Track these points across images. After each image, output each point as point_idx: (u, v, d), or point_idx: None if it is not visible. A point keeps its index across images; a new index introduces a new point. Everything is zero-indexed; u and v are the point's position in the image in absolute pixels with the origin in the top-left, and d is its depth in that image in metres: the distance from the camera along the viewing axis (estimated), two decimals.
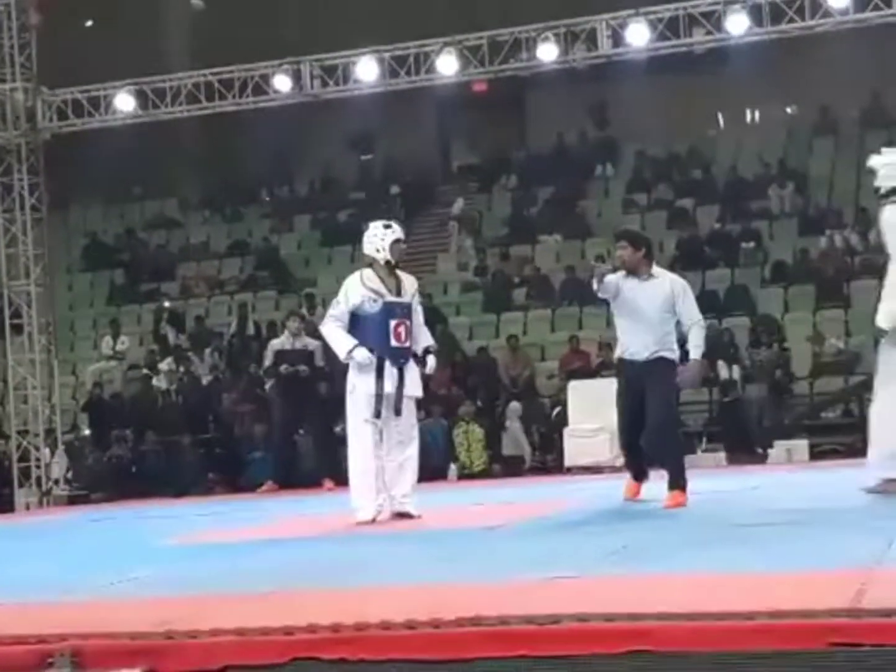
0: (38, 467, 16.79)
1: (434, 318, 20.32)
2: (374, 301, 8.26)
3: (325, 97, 16.84)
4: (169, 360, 19.72)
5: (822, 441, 15.31)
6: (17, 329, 17.02)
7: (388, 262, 8.31)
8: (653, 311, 8.24)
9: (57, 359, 17.75)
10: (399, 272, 8.47)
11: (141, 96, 16.81)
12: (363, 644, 4.18)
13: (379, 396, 8.18)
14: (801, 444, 15.01)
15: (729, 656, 3.65)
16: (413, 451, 8.37)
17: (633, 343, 8.29)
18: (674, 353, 8.34)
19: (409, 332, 8.30)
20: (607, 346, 17.54)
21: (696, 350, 8.34)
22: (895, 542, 5.24)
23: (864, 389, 16.68)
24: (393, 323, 8.23)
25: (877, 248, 18.59)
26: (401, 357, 8.27)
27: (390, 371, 8.19)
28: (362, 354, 8.14)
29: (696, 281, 19.35)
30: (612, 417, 13.64)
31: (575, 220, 21.83)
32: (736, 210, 20.68)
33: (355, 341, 8.19)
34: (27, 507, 16.12)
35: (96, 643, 4.54)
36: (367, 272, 8.38)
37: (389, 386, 8.19)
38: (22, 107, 16.97)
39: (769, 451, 14.85)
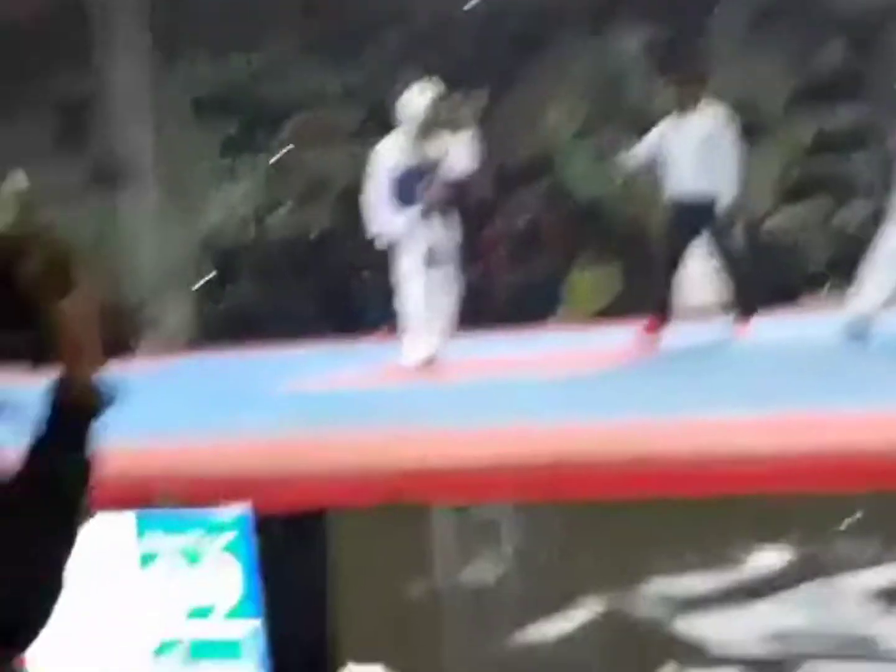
0: (157, 315, 17.14)
1: (546, 166, 20.16)
2: (410, 160, 8.55)
3: None
4: (283, 208, 19.84)
5: None
6: (132, 179, 17.20)
7: (426, 120, 8.50)
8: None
9: (172, 209, 17.95)
10: (441, 130, 8.71)
11: None
12: (458, 485, 4.23)
13: (426, 247, 8.37)
14: None
15: None
16: (453, 298, 8.72)
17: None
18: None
19: (446, 187, 8.65)
20: None
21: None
22: None
23: None
24: (428, 179, 8.54)
25: None
26: (438, 209, 8.58)
27: (427, 225, 8.46)
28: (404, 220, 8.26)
29: (815, 119, 18.82)
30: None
31: (694, 60, 21.19)
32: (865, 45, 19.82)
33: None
34: (149, 355, 16.50)
35: (199, 481, 4.68)
36: (404, 129, 8.65)
37: (434, 236, 8.46)
38: None
39: None
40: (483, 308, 16.34)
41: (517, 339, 11.30)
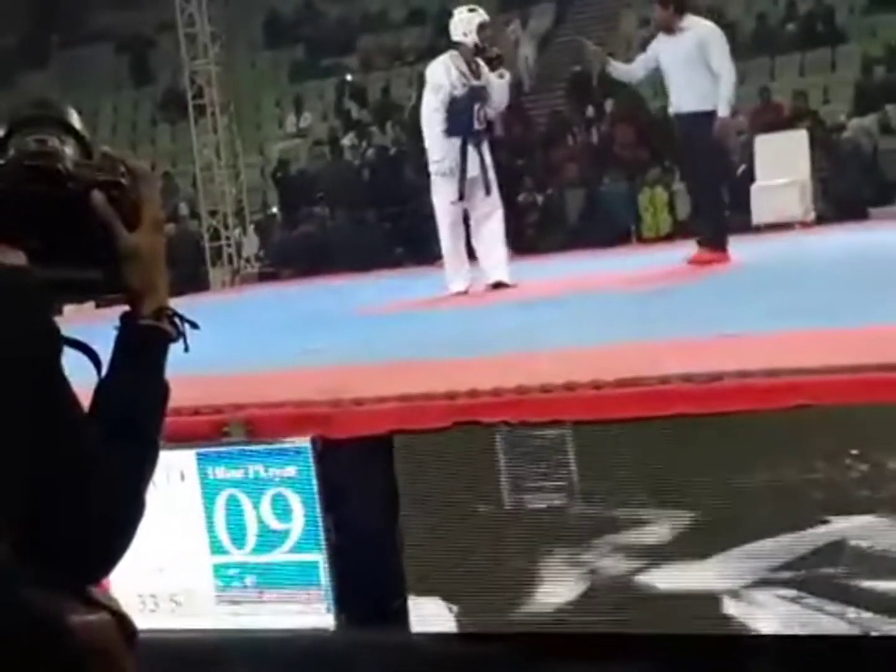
0: (228, 246, 17.20)
1: (613, 80, 19.83)
2: (464, 85, 8.43)
3: None
4: (351, 134, 19.75)
5: None
6: (201, 110, 17.19)
7: (476, 45, 8.45)
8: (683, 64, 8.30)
9: (241, 138, 17.93)
10: (485, 56, 8.58)
11: None
12: (524, 407, 4.17)
13: (463, 178, 8.26)
14: None
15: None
16: (498, 223, 8.52)
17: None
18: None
19: (486, 115, 8.53)
20: (802, 95, 16.87)
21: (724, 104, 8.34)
22: None
23: None
24: (476, 106, 8.41)
25: None
26: (482, 137, 8.48)
27: (473, 153, 8.31)
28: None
29: (895, 22, 18.29)
30: (804, 170, 13.31)
31: None
32: None
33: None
34: (221, 286, 16.59)
35: (267, 412, 4.66)
36: (453, 55, 8.55)
37: (473, 168, 8.33)
38: None
39: None
40: (555, 229, 16.22)
41: (587, 260, 11.16)
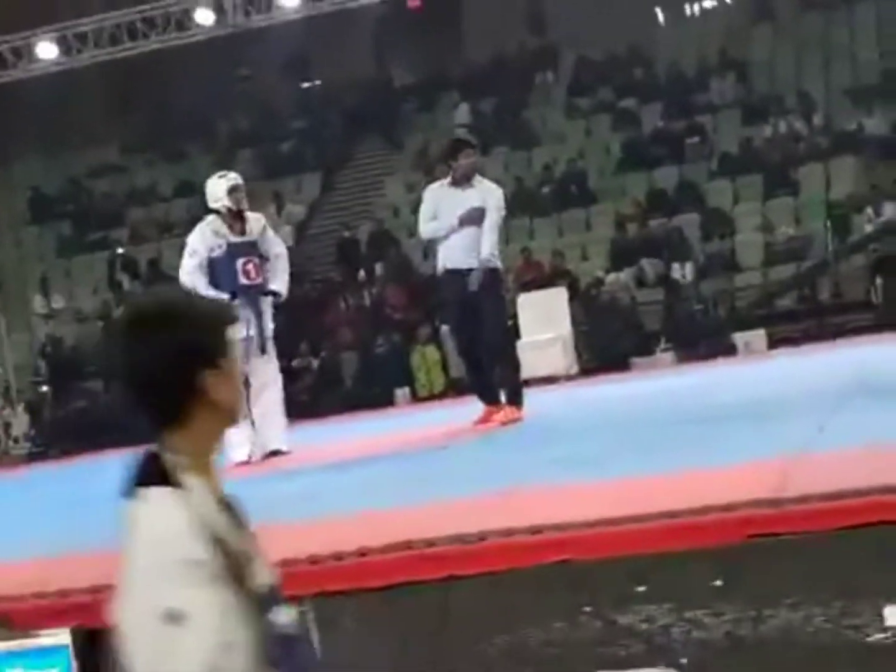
0: None
1: (387, 242, 20.28)
2: (220, 246, 8.54)
3: (251, 26, 16.55)
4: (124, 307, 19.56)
5: (779, 329, 15.34)
6: None
7: (229, 210, 8.61)
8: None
9: (7, 317, 17.53)
10: (247, 213, 8.77)
11: (63, 42, 16.47)
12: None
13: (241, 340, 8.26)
14: (759, 335, 15.03)
15: (645, 558, 3.60)
16: (277, 394, 8.61)
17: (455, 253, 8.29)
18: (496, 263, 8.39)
19: (259, 269, 8.60)
20: (560, 255, 17.57)
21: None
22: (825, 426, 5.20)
23: (818, 274, 16.80)
24: (240, 262, 8.54)
25: (820, 130, 18.59)
26: (253, 293, 8.54)
27: (245, 314, 8.28)
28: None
29: (642, 181, 19.36)
30: (565, 325, 13.79)
31: (520, 130, 21.62)
32: (679, 106, 20.49)
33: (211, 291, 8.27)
34: None
35: (22, 605, 4.49)
36: (211, 218, 8.70)
37: (249, 327, 8.33)
38: None
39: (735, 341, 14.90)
40: (330, 392, 16.30)
41: (364, 422, 11.21)
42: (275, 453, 8.42)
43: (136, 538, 2.08)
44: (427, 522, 4.45)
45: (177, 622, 1.98)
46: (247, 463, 8.29)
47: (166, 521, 2.06)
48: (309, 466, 7.70)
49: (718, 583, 3.51)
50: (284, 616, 2.17)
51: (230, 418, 2.23)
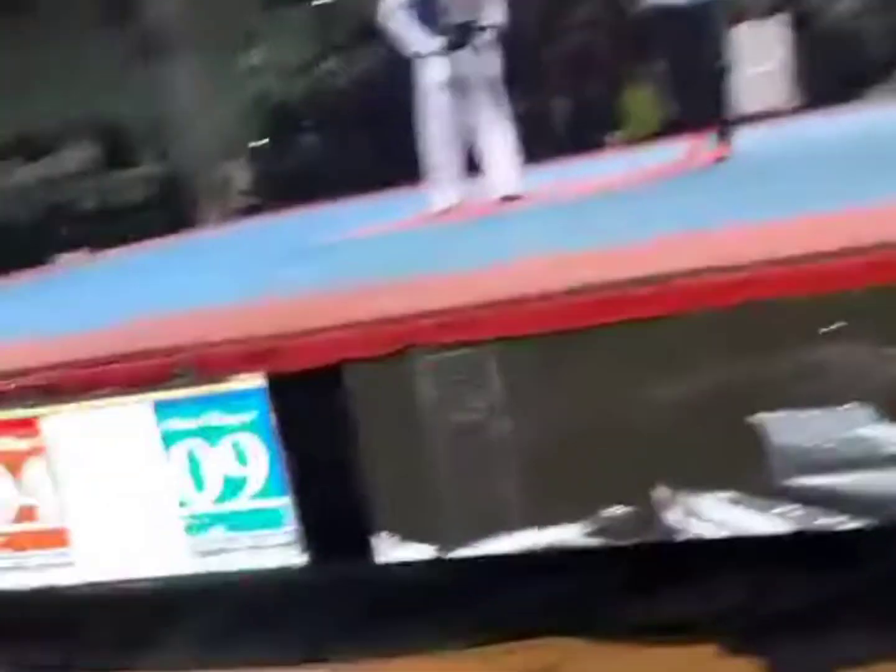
0: (215, 183, 17.04)
1: None
2: None
3: None
4: (333, 58, 19.49)
5: None
6: (172, 49, 16.94)
7: None
8: None
9: (218, 74, 17.69)
10: None
11: None
12: (464, 326, 4.04)
13: (452, 75, 7.97)
14: None
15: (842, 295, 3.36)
16: (506, 137, 8.18)
17: None
18: None
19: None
20: None
21: None
22: None
23: None
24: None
25: None
26: (465, 30, 7.90)
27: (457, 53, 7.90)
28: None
29: None
30: (787, 55, 13.04)
31: None
32: None
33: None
34: (209, 222, 16.45)
35: (215, 351, 4.54)
36: None
37: (462, 63, 7.88)
38: None
39: None
40: (539, 138, 15.96)
41: (578, 166, 10.99)
42: (506, 199, 8.11)
43: None
44: (615, 263, 4.27)
45: None
46: (456, 209, 8.06)
47: None
48: (544, 207, 7.48)
49: None
50: None
51: None
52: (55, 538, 4.66)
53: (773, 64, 12.60)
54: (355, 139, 17.34)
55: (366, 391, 4.17)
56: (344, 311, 4.51)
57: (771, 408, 3.50)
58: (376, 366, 4.17)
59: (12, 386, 4.69)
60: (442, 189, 8.08)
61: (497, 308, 3.95)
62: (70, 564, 4.65)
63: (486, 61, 8.00)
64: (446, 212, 8.03)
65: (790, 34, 13.23)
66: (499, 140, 8.10)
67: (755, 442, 3.53)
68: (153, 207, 17.82)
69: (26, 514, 4.70)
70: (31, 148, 20.69)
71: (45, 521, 4.67)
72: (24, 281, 11.07)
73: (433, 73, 7.89)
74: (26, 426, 4.64)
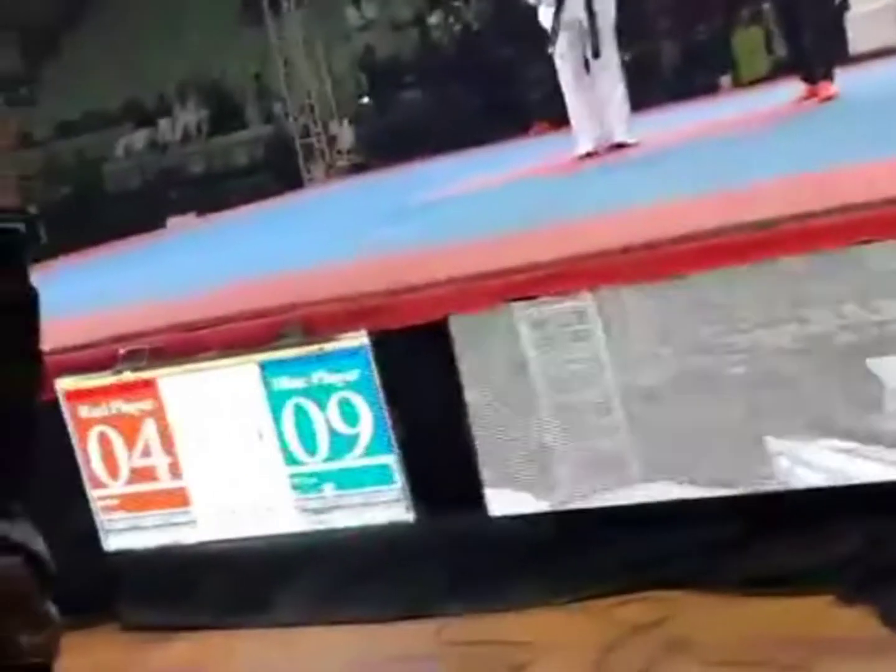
0: (319, 142, 17.09)
1: None
2: None
3: None
4: (438, 12, 19.39)
5: None
6: (278, 5, 17.00)
7: None
8: None
9: (323, 30, 17.71)
10: None
11: None
12: (565, 278, 3.99)
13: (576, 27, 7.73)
14: None
15: None
16: (619, 84, 7.94)
17: None
18: None
19: None
20: None
21: None
22: None
23: None
24: None
25: None
26: None
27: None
28: None
29: None
30: None
31: None
32: None
33: None
34: (315, 181, 16.52)
35: (321, 309, 4.55)
36: None
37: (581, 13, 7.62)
38: None
39: None
40: (650, 83, 15.70)
41: (688, 111, 10.79)
42: (619, 146, 7.96)
43: None
44: (721, 210, 4.18)
45: None
46: (593, 155, 7.93)
47: None
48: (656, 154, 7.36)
49: None
50: None
51: None
52: (176, 498, 4.72)
53: (885, 0, 12.19)
54: (458, 94, 17.24)
55: (470, 346, 4.15)
56: (446, 267, 4.49)
57: (888, 352, 3.40)
58: (480, 320, 4.14)
59: (124, 350, 4.76)
60: (583, 132, 7.94)
61: (599, 259, 3.89)
62: (192, 523, 4.71)
63: (602, 7, 7.81)
64: (588, 155, 7.89)
65: None
66: (611, 88, 7.93)
67: (871, 388, 3.44)
68: (260, 169, 17.96)
69: (143, 474, 4.77)
70: (141, 114, 20.97)
71: (164, 481, 4.73)
72: (135, 245, 11.22)
73: (553, 21, 7.75)
74: (140, 388, 4.71)
